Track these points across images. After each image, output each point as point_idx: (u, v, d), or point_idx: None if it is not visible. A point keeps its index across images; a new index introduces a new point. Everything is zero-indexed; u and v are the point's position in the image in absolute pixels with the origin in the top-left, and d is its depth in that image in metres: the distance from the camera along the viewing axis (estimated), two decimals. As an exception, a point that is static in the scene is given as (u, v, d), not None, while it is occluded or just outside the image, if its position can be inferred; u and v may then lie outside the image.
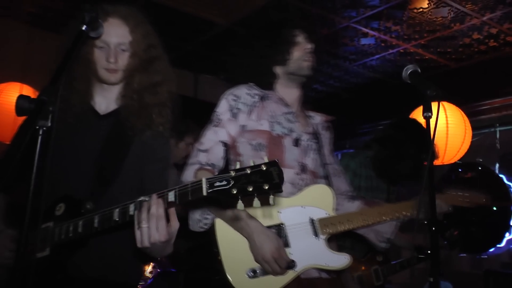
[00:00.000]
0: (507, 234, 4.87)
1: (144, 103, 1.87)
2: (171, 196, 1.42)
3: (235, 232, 1.94)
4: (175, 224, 1.49)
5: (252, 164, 1.35)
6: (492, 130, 5.21)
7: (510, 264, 5.18)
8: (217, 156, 2.04)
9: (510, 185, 5.03)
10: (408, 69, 1.91)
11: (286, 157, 2.10)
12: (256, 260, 1.90)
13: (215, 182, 1.33)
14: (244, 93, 2.13)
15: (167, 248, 1.58)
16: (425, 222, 1.52)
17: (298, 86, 2.26)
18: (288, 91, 2.24)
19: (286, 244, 1.96)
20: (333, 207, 2.09)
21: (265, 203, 1.33)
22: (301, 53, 2.17)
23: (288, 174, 2.06)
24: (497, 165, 5.18)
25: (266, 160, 1.36)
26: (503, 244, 4.93)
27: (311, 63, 2.19)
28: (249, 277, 1.89)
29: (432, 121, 1.70)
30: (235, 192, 1.31)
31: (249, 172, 1.34)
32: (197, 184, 1.36)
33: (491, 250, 4.88)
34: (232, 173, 1.34)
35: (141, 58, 1.87)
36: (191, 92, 5.93)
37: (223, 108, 2.12)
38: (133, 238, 1.47)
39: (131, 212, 1.48)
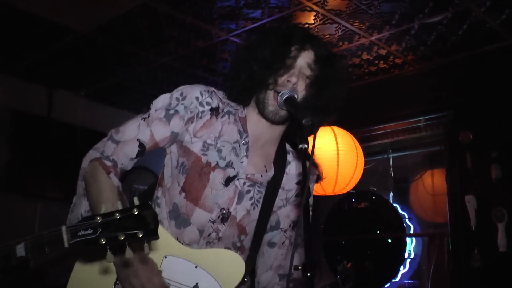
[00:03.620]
0: (401, 268, 5.39)
1: None
2: (20, 250, 1.36)
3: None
4: None
5: (121, 208, 1.39)
6: (385, 157, 5.61)
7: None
8: (125, 154, 1.94)
9: (404, 215, 5.60)
10: (283, 95, 1.85)
11: (205, 194, 1.97)
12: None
13: (79, 231, 1.34)
14: (194, 96, 1.99)
15: None
16: (299, 268, 1.48)
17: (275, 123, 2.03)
18: (259, 118, 2.05)
19: None
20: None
21: (138, 250, 1.37)
22: (282, 84, 1.94)
23: (200, 217, 1.97)
24: (391, 193, 5.67)
25: (137, 202, 1.40)
26: (398, 278, 5.41)
27: (277, 106, 1.93)
28: None
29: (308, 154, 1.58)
30: (103, 242, 1.32)
31: (118, 217, 1.36)
32: (55, 234, 1.34)
33: (386, 286, 5.35)
34: (98, 219, 1.36)
35: None
36: (44, 111, 5.76)
37: (161, 103, 2.00)
38: None
39: None
